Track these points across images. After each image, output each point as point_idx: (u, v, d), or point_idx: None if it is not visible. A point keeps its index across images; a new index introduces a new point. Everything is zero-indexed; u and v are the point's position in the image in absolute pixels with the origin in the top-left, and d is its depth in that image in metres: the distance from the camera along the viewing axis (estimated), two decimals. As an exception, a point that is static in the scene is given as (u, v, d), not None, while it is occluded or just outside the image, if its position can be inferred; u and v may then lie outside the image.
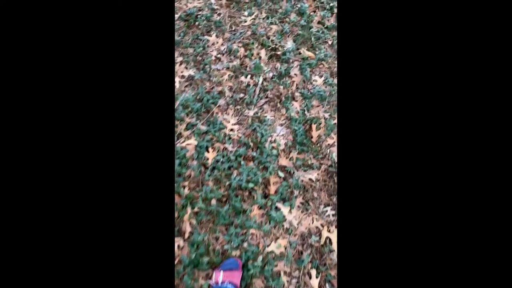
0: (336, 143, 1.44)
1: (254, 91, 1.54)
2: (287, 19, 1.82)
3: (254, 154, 1.32)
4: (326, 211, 1.29)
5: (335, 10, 1.90)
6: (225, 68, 1.60)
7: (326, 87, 1.59)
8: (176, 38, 1.71)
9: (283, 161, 1.36)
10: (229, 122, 1.44)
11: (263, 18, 1.82)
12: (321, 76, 1.63)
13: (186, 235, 1.17)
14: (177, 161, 1.29)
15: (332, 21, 1.87)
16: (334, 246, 1.19)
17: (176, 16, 1.83)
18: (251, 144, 1.38)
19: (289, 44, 1.72)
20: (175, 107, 1.47)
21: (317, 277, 1.14)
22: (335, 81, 1.61)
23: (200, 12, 1.83)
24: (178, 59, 1.66)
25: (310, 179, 1.33)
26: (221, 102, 1.50)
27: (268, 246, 1.17)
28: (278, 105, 1.52)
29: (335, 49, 1.74)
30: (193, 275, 1.10)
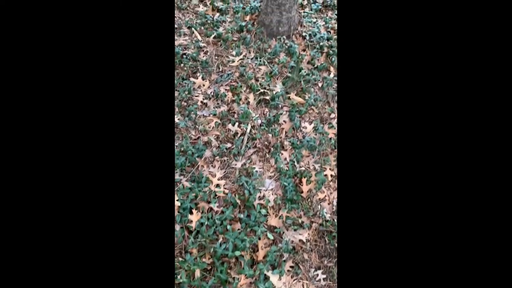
0: (327, 198, 1.39)
1: (242, 140, 1.48)
2: (276, 60, 1.78)
3: (242, 216, 1.25)
4: (317, 275, 1.23)
5: (325, 49, 1.87)
6: (211, 114, 1.53)
7: (316, 134, 1.54)
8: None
9: (273, 221, 1.29)
10: (215, 176, 1.37)
11: (252, 58, 1.77)
12: (310, 123, 1.59)
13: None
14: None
15: (322, 61, 1.84)
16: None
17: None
18: (238, 202, 1.31)
19: (278, 87, 1.67)
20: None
21: None
22: (325, 128, 1.56)
23: (185, 51, 1.76)
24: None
25: (300, 240, 1.27)
26: (207, 153, 1.43)
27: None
28: (267, 155, 1.46)
29: (325, 92, 1.70)
30: None
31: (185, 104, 1.57)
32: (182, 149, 1.41)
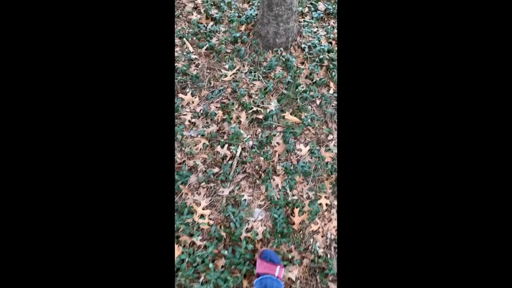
0: (320, 229, 1.29)
1: (231, 165, 1.38)
2: (272, 74, 1.67)
3: (226, 253, 1.16)
4: (307, 318, 1.13)
5: (325, 62, 1.75)
6: (199, 135, 1.44)
7: (311, 158, 1.43)
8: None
9: (260, 256, 1.20)
10: (199, 205, 1.27)
11: (246, 73, 1.66)
12: (306, 145, 1.48)
13: None
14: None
15: (321, 75, 1.72)
16: None
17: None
18: (224, 235, 1.21)
19: (273, 104, 1.56)
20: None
21: None
22: (322, 151, 1.45)
23: (176, 64, 1.66)
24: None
25: (289, 279, 1.18)
26: (192, 179, 1.33)
27: None
28: (257, 181, 1.36)
29: (323, 110, 1.59)
30: None
31: (172, 123, 1.48)
32: (166, 173, 1.32)
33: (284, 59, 1.71)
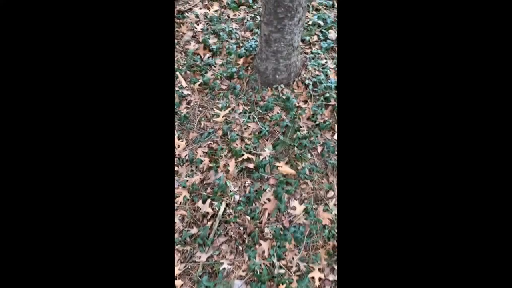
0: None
1: (212, 225, 1.22)
2: (269, 116, 1.50)
3: None
4: None
5: (331, 102, 1.56)
6: (181, 186, 1.30)
7: (306, 219, 1.24)
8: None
9: None
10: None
11: (240, 113, 1.50)
12: (301, 202, 1.29)
13: None
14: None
15: (326, 116, 1.53)
16: None
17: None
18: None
19: (267, 151, 1.39)
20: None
21: None
22: (320, 211, 1.25)
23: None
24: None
25: None
26: (167, 240, 1.19)
27: None
28: (240, 247, 1.19)
29: (324, 160, 1.39)
30: None
31: (154, 170, 1.35)
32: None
33: (284, 98, 1.54)
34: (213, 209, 1.24)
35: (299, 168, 1.35)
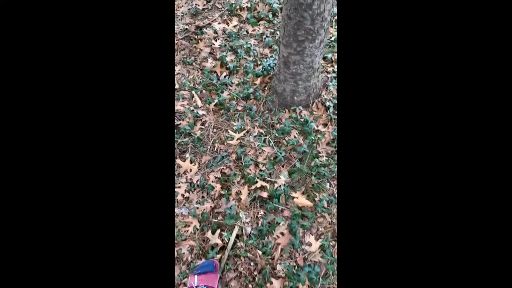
0: None
1: (221, 258, 1.16)
2: (285, 140, 1.42)
3: None
4: None
5: (354, 125, 1.45)
6: (191, 215, 1.25)
7: (322, 257, 1.15)
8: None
9: None
10: (177, 309, 1.08)
11: (255, 136, 1.44)
12: (318, 238, 1.20)
13: None
14: None
15: (347, 141, 1.42)
16: None
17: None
18: None
19: (283, 179, 1.31)
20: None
21: None
22: (337, 249, 1.16)
23: (179, 121, 1.50)
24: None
25: None
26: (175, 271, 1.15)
27: None
28: (250, 285, 1.12)
29: (344, 191, 1.29)
30: None
31: (164, 195, 1.32)
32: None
33: (302, 121, 1.45)
34: (222, 240, 1.18)
35: (316, 199, 1.26)
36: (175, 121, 1.49)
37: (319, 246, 1.17)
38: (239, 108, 1.53)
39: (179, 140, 1.43)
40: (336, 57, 1.71)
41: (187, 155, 1.39)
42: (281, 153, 1.37)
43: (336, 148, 1.39)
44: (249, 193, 1.28)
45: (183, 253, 1.16)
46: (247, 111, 1.50)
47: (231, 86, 1.60)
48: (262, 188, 1.29)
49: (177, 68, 1.71)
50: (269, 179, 1.32)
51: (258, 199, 1.28)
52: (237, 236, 1.20)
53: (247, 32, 1.88)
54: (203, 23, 1.94)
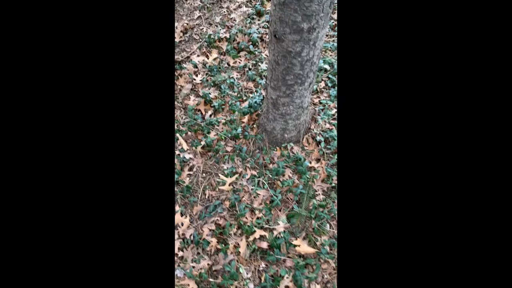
0: None
1: (225, 324, 1.07)
2: (279, 181, 1.37)
3: None
4: None
5: (346, 158, 1.43)
6: (187, 276, 1.15)
7: (332, 309, 1.10)
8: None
9: None
10: None
11: (248, 179, 1.38)
12: (324, 286, 1.15)
13: None
14: None
15: (341, 176, 1.40)
16: None
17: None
18: None
19: (281, 224, 1.25)
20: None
21: None
22: None
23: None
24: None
25: None
26: None
27: None
28: None
29: (345, 231, 1.26)
30: None
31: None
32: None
33: (294, 158, 1.41)
34: (225, 304, 1.10)
35: (318, 243, 1.21)
36: (161, 168, 1.40)
37: (327, 296, 1.12)
38: (228, 149, 1.46)
39: (167, 191, 1.33)
40: (320, 87, 1.70)
41: (177, 207, 1.29)
42: (277, 196, 1.31)
43: (333, 185, 1.36)
44: (247, 245, 1.21)
45: (182, 324, 1.06)
46: (237, 151, 1.43)
47: (217, 125, 1.53)
48: (261, 237, 1.22)
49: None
50: (267, 226, 1.25)
51: (258, 250, 1.21)
52: (240, 295, 1.11)
53: (228, 64, 1.83)
54: (181, 57, 1.87)
